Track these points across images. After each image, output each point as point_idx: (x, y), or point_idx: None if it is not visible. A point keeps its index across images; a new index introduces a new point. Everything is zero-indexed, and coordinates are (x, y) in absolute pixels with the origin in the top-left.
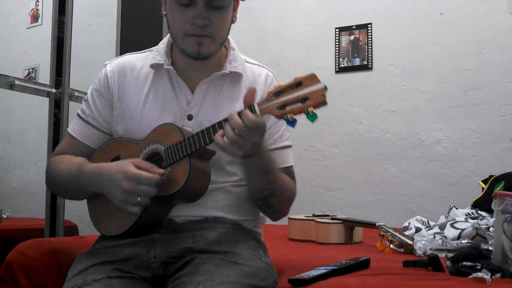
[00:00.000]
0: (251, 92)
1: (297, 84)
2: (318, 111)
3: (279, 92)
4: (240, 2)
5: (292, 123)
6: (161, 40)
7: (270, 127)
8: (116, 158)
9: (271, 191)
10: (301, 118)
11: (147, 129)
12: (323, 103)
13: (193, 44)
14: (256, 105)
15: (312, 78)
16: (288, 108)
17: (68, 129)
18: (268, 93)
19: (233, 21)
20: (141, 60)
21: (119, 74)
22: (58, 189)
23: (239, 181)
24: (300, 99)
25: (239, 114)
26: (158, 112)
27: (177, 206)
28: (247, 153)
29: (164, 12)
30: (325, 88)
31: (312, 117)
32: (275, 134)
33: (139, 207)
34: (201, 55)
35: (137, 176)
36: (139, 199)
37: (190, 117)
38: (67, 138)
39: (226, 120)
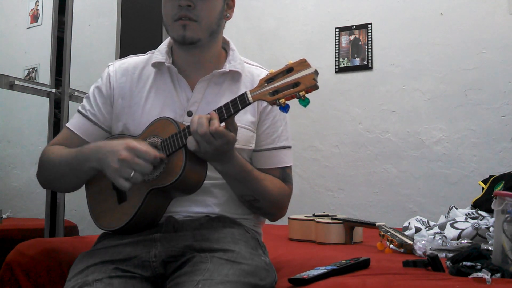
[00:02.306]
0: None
1: (288, 70)
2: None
3: (270, 78)
4: (240, 2)
5: (284, 108)
6: (161, 40)
7: (267, 127)
8: None
9: (252, 197)
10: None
11: (147, 125)
12: (314, 87)
13: (179, 28)
14: (248, 93)
15: (303, 64)
16: (280, 93)
17: (67, 124)
18: (260, 80)
19: (227, 17)
20: (143, 61)
21: (122, 73)
22: (51, 174)
23: None
24: (291, 84)
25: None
26: (159, 109)
27: (178, 202)
28: (210, 158)
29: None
30: (316, 72)
31: (304, 102)
32: (273, 135)
33: (129, 183)
34: (186, 39)
35: (137, 149)
36: (132, 173)
37: (189, 114)
38: (64, 132)
39: (218, 110)
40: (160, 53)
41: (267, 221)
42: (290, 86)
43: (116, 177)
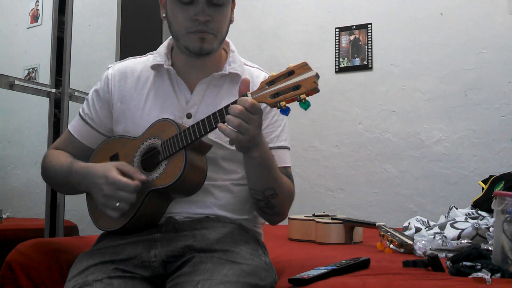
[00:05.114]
0: (245, 83)
1: (289, 73)
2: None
3: (271, 81)
4: (240, 2)
5: (285, 111)
6: (161, 40)
7: (266, 127)
8: (115, 156)
9: (273, 190)
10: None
11: (146, 128)
12: (315, 90)
13: (195, 40)
14: (249, 94)
15: (304, 67)
16: (280, 96)
17: (68, 126)
18: (261, 82)
19: (231, 21)
20: (142, 63)
21: (120, 76)
22: (51, 182)
23: (240, 180)
24: (292, 87)
25: (236, 102)
26: (158, 111)
27: (178, 202)
28: (255, 140)
29: (164, 15)
30: (317, 75)
31: (305, 105)
32: (271, 134)
33: (117, 212)
34: (203, 51)
35: (117, 182)
36: (117, 204)
37: (189, 116)
38: (65, 134)
39: (219, 111)
40: (159, 55)
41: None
42: (290, 89)
43: (104, 208)
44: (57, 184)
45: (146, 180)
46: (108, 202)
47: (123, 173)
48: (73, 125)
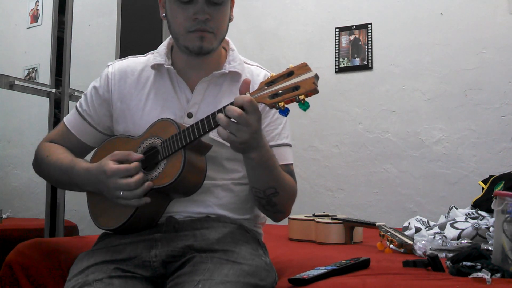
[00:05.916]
0: (246, 84)
1: (289, 73)
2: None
3: (271, 82)
4: (240, 2)
5: (284, 112)
6: (160, 40)
7: (267, 125)
8: None
9: (274, 189)
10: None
11: (147, 127)
12: (314, 91)
13: (195, 39)
14: (248, 95)
15: (304, 67)
16: (279, 97)
17: (64, 119)
18: (260, 83)
19: (230, 19)
20: (143, 62)
21: (120, 76)
22: (49, 177)
23: (241, 179)
24: (291, 87)
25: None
26: (159, 111)
27: (178, 202)
28: (249, 143)
29: (163, 15)
30: (316, 76)
31: (304, 106)
32: (273, 132)
33: (133, 198)
34: (203, 50)
35: (116, 172)
36: (121, 193)
37: (190, 115)
38: (61, 128)
39: (218, 111)
40: (159, 55)
41: (267, 221)
42: (290, 89)
43: (117, 201)
44: (56, 181)
45: (142, 157)
46: (115, 194)
47: (120, 161)
48: (70, 119)
